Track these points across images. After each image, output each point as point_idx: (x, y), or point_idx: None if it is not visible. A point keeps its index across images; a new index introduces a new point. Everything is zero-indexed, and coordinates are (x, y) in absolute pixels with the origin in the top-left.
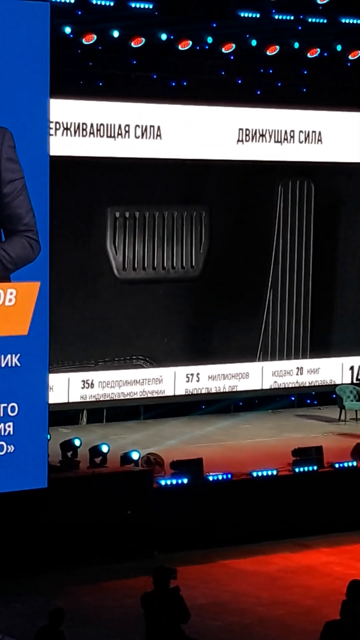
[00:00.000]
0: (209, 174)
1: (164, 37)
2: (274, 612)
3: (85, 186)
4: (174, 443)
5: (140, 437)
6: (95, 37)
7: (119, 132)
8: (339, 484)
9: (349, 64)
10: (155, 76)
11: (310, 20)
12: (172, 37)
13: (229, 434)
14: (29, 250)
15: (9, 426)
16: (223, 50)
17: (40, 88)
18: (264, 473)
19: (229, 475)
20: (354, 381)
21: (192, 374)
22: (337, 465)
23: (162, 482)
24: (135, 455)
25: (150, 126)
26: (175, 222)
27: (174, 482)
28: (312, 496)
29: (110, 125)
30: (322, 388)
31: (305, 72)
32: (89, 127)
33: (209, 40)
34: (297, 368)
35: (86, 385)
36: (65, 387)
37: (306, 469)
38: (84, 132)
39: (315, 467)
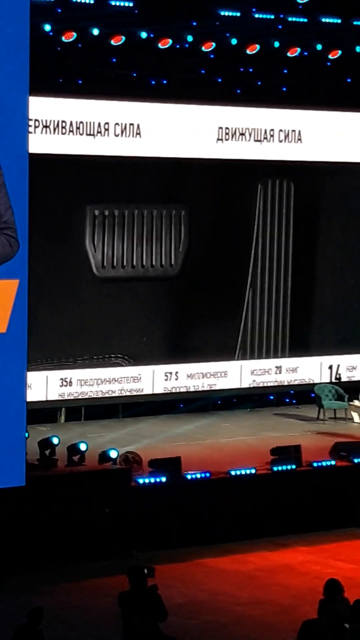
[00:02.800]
0: (188, 173)
1: (144, 35)
2: (252, 611)
3: (64, 184)
4: (152, 441)
5: (119, 435)
6: (75, 35)
7: (99, 130)
8: (317, 483)
9: (328, 64)
10: (135, 74)
11: (290, 19)
12: (152, 35)
13: (208, 433)
14: (8, 248)
15: None
16: (203, 48)
17: (20, 85)
18: (243, 472)
19: (208, 474)
20: (333, 380)
21: (170, 373)
22: (315, 464)
23: (140, 481)
24: (113, 454)
25: (130, 124)
26: (154, 221)
27: (152, 480)
28: (290, 495)
29: (90, 123)
30: (301, 387)
31: (286, 71)
32: (68, 125)
33: (189, 38)
34: (276, 367)
35: (65, 383)
36: (44, 385)
37: (284, 467)
38: (64, 130)
39: (293, 466)
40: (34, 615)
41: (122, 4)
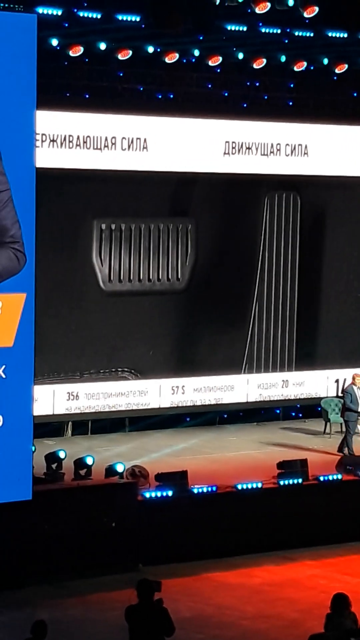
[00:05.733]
0: (195, 187)
1: (150, 49)
2: (258, 626)
3: (71, 198)
4: (158, 455)
5: (125, 449)
6: (82, 49)
7: (106, 144)
8: (323, 497)
9: (335, 77)
10: (141, 88)
11: (296, 33)
12: (158, 49)
13: (214, 447)
14: (15, 262)
15: None
16: (210, 63)
17: (27, 100)
18: (249, 486)
19: (214, 488)
20: (339, 394)
21: (177, 387)
22: (321, 478)
23: (147, 495)
24: (120, 468)
25: (137, 138)
26: (161, 234)
27: (159, 494)
28: (296, 509)
29: (97, 137)
30: (307, 401)
31: (292, 85)
32: (75, 139)
33: (196, 52)
34: (283, 381)
35: (71, 397)
36: (51, 399)
37: (291, 481)
38: (71, 144)
39: (300, 480)
40: (37, 629)
41: (128, 18)
